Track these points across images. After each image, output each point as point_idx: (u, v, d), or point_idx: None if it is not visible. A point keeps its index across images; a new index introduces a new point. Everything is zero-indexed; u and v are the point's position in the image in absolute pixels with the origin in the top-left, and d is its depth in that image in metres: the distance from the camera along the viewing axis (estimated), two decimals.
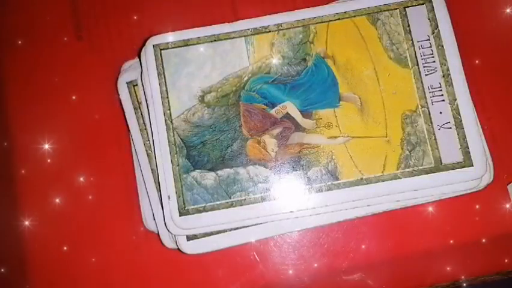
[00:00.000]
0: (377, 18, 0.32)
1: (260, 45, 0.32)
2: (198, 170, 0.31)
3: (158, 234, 0.31)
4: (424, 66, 0.31)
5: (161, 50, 0.32)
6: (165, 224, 0.30)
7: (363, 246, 0.32)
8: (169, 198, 0.30)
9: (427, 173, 0.30)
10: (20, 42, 0.35)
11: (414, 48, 0.31)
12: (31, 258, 0.32)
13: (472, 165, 0.30)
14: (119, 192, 0.33)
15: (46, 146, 0.33)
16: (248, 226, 0.30)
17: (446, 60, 0.31)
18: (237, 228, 0.30)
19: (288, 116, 0.31)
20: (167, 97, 0.31)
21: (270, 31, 0.32)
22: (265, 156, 0.31)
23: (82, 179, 0.33)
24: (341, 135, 0.31)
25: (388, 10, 0.32)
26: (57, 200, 0.33)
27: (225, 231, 0.30)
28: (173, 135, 0.31)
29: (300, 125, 0.31)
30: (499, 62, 0.33)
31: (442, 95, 0.31)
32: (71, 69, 0.34)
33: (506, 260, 0.31)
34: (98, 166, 0.33)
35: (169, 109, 0.31)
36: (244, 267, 0.32)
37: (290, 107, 0.31)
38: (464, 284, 0.32)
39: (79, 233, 0.33)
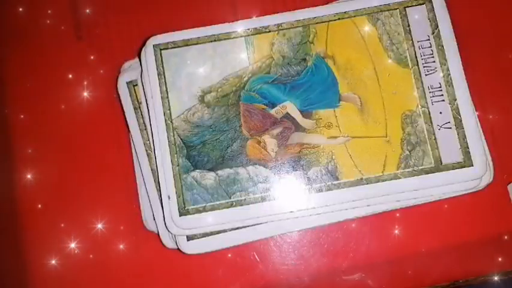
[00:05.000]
0: (377, 18, 0.32)
1: (260, 45, 0.32)
2: (198, 170, 0.31)
3: (158, 234, 0.31)
4: (424, 66, 0.31)
5: (161, 50, 0.32)
6: (165, 224, 0.30)
7: (363, 246, 0.32)
8: (169, 198, 0.30)
9: (427, 173, 0.30)
10: (20, 42, 0.35)
11: (414, 48, 0.31)
12: (31, 258, 0.32)
13: (472, 165, 0.30)
14: (119, 192, 0.33)
15: (46, 146, 0.33)
16: (248, 226, 0.30)
17: (446, 60, 0.31)
18: (237, 228, 0.30)
19: (288, 116, 0.31)
20: (167, 97, 0.31)
21: (270, 31, 0.32)
22: (265, 156, 0.31)
23: (81, 178, 0.33)
24: (341, 135, 0.31)
25: (388, 10, 0.32)
26: (57, 200, 0.33)
27: (225, 231, 0.30)
28: (173, 135, 0.31)
29: (300, 125, 0.31)
30: (499, 61, 0.33)
31: (442, 95, 0.31)
32: (71, 69, 0.34)
33: (506, 260, 0.31)
34: (98, 166, 0.33)
35: (169, 109, 0.31)
36: (244, 267, 0.32)
37: (290, 107, 0.31)
38: (464, 284, 0.32)
39: (78, 233, 0.33)
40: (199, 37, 0.32)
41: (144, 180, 0.32)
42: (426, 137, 0.30)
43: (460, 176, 0.30)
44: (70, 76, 0.34)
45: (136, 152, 0.32)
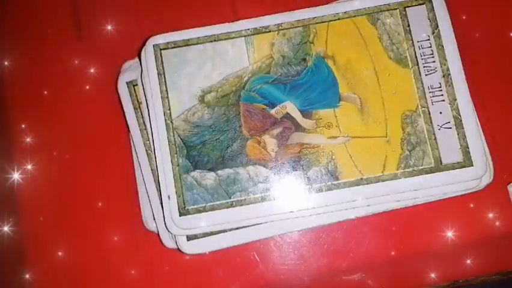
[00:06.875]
0: (377, 18, 0.32)
1: (260, 45, 0.32)
2: (198, 170, 0.31)
3: (158, 234, 0.31)
4: (424, 66, 0.31)
5: (161, 50, 0.32)
6: (165, 224, 0.30)
7: (363, 246, 0.32)
8: (169, 198, 0.30)
9: (427, 173, 0.30)
10: (20, 42, 0.35)
11: (414, 48, 0.31)
12: (31, 260, 0.32)
13: (472, 165, 0.30)
14: (119, 192, 0.33)
15: (46, 146, 0.33)
16: (248, 226, 0.30)
17: (446, 60, 0.31)
18: (237, 228, 0.30)
19: (288, 116, 0.31)
20: (167, 97, 0.31)
21: (270, 31, 0.32)
22: (265, 156, 0.31)
23: (82, 178, 0.33)
24: (341, 135, 0.31)
25: (388, 10, 0.32)
26: (57, 200, 0.33)
27: (225, 231, 0.30)
28: (173, 135, 0.31)
29: (300, 125, 0.31)
30: (499, 62, 0.33)
31: (442, 95, 0.31)
32: (71, 69, 0.34)
33: (506, 260, 0.31)
34: (98, 166, 0.33)
35: (169, 109, 0.31)
36: (244, 267, 0.32)
37: (290, 107, 0.31)
38: (464, 284, 0.32)
39: (79, 233, 0.33)
40: (199, 37, 0.32)
41: (144, 180, 0.32)
42: (426, 137, 0.30)
43: (460, 176, 0.30)
44: (70, 76, 0.34)
45: (136, 152, 0.32)
